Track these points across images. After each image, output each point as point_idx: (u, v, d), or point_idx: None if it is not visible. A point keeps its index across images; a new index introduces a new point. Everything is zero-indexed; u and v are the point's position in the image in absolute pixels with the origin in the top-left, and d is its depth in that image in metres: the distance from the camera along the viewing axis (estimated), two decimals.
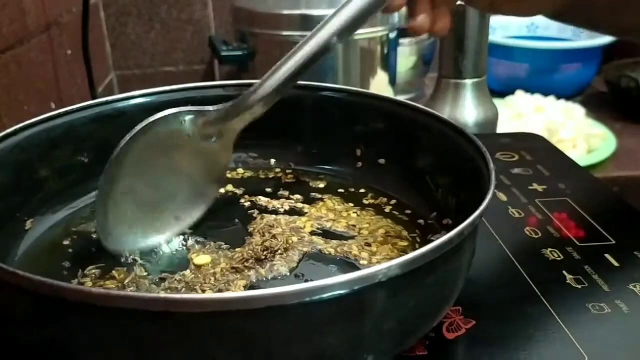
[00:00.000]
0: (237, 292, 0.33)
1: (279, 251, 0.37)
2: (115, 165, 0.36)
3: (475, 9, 0.50)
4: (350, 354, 0.28)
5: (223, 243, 0.39)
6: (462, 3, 0.41)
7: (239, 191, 0.46)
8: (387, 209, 0.43)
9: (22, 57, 0.62)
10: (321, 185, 0.46)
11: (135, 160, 0.37)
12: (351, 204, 0.44)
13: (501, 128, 0.73)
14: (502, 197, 0.47)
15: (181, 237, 0.40)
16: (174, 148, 0.39)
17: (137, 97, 0.46)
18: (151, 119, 0.37)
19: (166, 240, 0.39)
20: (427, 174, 0.42)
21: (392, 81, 0.89)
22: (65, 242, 0.39)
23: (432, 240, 0.27)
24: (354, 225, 0.41)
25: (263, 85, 0.37)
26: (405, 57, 0.98)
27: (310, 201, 0.44)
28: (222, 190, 0.46)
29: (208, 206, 0.42)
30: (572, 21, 0.45)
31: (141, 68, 1.05)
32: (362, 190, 0.45)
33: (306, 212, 0.43)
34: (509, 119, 0.86)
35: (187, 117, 0.38)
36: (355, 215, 0.42)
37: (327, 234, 0.40)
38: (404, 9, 0.38)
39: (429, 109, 0.43)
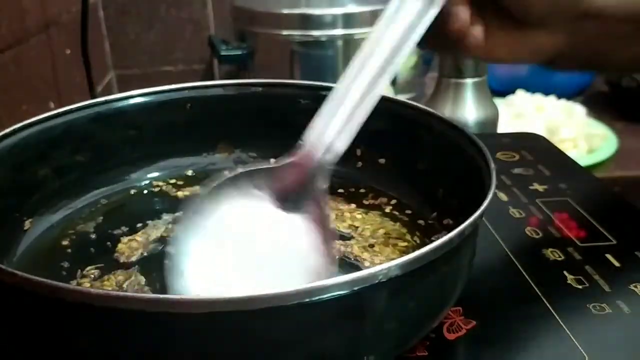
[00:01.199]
0: (237, 293, 0.33)
1: None
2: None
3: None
4: (350, 355, 0.28)
5: None
6: None
7: None
8: (388, 209, 0.43)
9: (21, 57, 0.62)
10: None
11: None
12: (352, 205, 0.43)
13: (502, 128, 0.72)
14: (503, 197, 0.47)
15: None
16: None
17: (137, 96, 0.45)
18: None
19: None
20: (428, 174, 0.42)
21: (392, 81, 0.89)
22: (64, 243, 0.39)
23: (432, 241, 0.27)
24: (355, 226, 0.41)
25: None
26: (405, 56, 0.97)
27: None
28: None
29: None
30: (576, 61, 0.37)
31: (140, 67, 1.05)
32: (362, 190, 0.45)
33: None
34: (510, 119, 0.85)
35: None
36: (355, 215, 0.42)
37: None
38: None
39: (429, 109, 0.43)
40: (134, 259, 0.37)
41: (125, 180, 0.46)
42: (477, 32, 0.34)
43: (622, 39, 0.35)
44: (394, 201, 0.44)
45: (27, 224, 0.39)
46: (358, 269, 0.36)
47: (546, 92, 0.91)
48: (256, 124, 0.48)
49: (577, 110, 0.87)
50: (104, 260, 0.37)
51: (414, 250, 0.26)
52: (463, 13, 0.33)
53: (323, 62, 0.83)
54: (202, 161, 0.49)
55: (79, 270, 0.36)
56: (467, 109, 0.68)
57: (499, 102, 0.75)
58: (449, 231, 0.28)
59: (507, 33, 0.34)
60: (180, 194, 0.45)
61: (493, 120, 0.70)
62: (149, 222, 0.41)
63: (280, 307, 0.24)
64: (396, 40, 0.33)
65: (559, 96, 0.90)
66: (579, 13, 0.34)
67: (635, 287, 0.36)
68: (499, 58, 0.36)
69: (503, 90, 0.94)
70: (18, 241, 0.38)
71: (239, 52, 0.84)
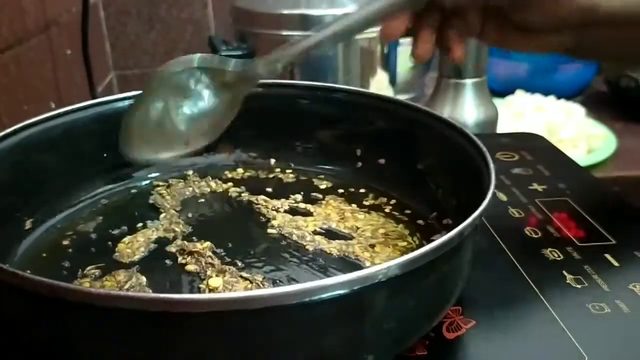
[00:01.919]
0: (237, 293, 0.33)
1: None
2: (146, 88, 0.42)
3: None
4: (350, 354, 0.28)
5: None
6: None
7: (238, 191, 0.46)
8: (387, 209, 0.43)
9: (22, 57, 0.62)
10: (321, 185, 0.46)
11: (163, 88, 0.42)
12: (353, 205, 0.43)
13: (501, 128, 0.73)
14: (502, 197, 0.47)
15: (180, 238, 0.40)
16: (195, 87, 0.42)
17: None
18: (171, 68, 0.41)
19: (173, 158, 0.44)
20: (427, 174, 0.42)
21: (392, 81, 0.89)
22: (65, 242, 0.39)
23: (432, 241, 0.27)
24: (356, 226, 0.41)
25: (285, 50, 0.44)
26: (405, 57, 0.97)
27: (311, 201, 0.44)
28: (220, 190, 0.46)
29: (210, 142, 0.45)
30: (585, 55, 0.44)
31: (141, 68, 1.05)
32: (362, 191, 0.45)
33: (307, 212, 0.43)
34: (509, 119, 0.85)
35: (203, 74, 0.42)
36: (357, 216, 0.42)
37: (330, 234, 0.40)
38: None
39: (429, 109, 0.43)
40: (134, 258, 0.37)
41: (125, 180, 0.46)
42: (490, 28, 0.40)
43: (628, 41, 0.39)
44: (393, 201, 0.44)
45: (28, 223, 0.40)
46: (359, 268, 0.36)
47: (546, 92, 0.91)
48: (256, 124, 0.48)
49: (576, 111, 0.87)
50: (105, 260, 0.37)
51: (414, 250, 0.26)
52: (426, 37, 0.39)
53: (323, 62, 0.83)
54: (202, 161, 0.49)
55: (80, 270, 0.36)
56: (467, 109, 0.68)
57: (498, 102, 0.75)
58: (449, 231, 0.28)
59: (518, 32, 0.39)
60: None
61: (493, 121, 0.70)
62: (149, 222, 0.41)
63: (280, 307, 0.24)
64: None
65: (559, 96, 0.90)
66: (583, 23, 0.37)
67: (635, 287, 0.36)
68: (513, 48, 0.41)
69: (503, 90, 0.94)
70: (19, 241, 0.39)
71: (239, 53, 0.84)
